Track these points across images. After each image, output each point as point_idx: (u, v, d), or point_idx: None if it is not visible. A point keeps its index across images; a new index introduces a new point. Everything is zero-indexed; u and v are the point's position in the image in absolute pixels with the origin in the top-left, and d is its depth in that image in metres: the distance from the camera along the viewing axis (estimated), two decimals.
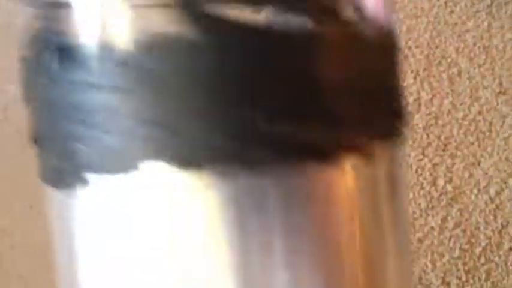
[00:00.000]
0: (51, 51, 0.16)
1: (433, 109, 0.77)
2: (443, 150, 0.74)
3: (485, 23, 0.85)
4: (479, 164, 0.73)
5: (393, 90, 0.19)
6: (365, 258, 0.17)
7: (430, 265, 0.65)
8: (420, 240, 0.66)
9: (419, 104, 0.77)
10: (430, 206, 0.69)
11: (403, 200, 0.19)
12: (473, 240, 0.66)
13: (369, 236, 0.17)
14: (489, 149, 0.74)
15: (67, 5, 0.16)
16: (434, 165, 0.72)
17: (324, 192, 0.17)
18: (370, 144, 0.18)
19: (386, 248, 0.18)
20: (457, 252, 0.66)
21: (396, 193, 0.19)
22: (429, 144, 0.74)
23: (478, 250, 0.66)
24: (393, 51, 0.19)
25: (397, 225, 0.19)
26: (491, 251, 0.66)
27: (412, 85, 0.79)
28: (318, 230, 0.17)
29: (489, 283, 0.64)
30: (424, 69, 0.81)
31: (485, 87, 0.80)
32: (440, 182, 0.71)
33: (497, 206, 0.69)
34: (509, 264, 0.65)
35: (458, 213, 0.69)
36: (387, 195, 0.18)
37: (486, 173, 0.72)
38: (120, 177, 0.16)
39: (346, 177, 0.17)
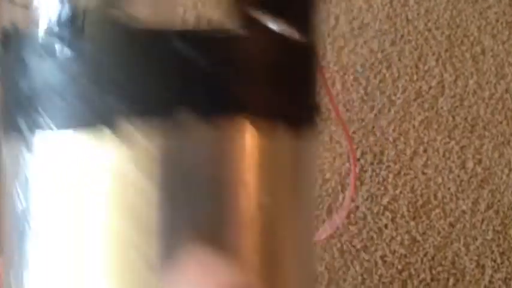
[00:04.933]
0: None
1: (458, 90, 0.76)
2: (471, 132, 0.72)
3: None
4: (508, 143, 0.71)
5: (301, 85, 0.22)
6: (262, 218, 0.20)
7: (463, 249, 0.64)
8: (452, 225, 0.65)
9: (443, 87, 0.76)
10: (460, 189, 0.68)
11: (307, 182, 0.22)
12: (506, 222, 0.65)
13: (264, 199, 0.20)
14: None
15: None
16: (462, 147, 0.71)
17: (224, 151, 0.19)
18: (273, 125, 0.21)
19: (283, 215, 0.20)
20: (490, 235, 0.65)
21: (298, 174, 0.22)
22: (455, 126, 0.73)
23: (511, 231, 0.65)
24: (305, 54, 0.22)
25: (297, 204, 0.21)
26: None
27: (435, 68, 0.78)
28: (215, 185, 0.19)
29: None
30: (446, 51, 0.79)
31: (510, 64, 0.78)
32: (470, 164, 0.69)
33: None
34: None
35: (490, 195, 0.67)
36: (288, 172, 0.21)
37: None
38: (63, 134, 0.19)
39: (246, 141, 0.20)
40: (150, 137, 0.18)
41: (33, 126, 0.19)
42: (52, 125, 0.19)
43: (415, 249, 0.63)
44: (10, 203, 0.20)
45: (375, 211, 0.65)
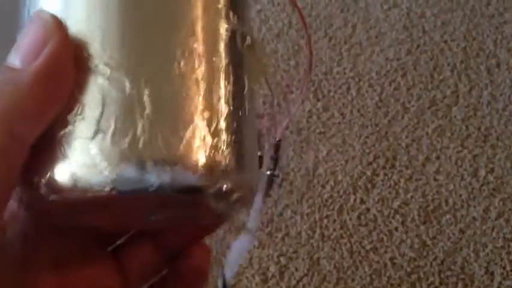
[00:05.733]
0: None
1: (472, 101, 0.76)
2: (484, 141, 0.72)
3: None
4: None
5: None
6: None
7: (473, 255, 0.64)
8: (462, 231, 0.65)
9: (457, 96, 0.76)
10: (472, 196, 0.68)
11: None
12: None
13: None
14: None
15: None
16: (475, 156, 0.71)
17: None
18: None
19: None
20: (500, 242, 0.64)
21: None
22: (469, 135, 0.73)
23: None
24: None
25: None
26: None
27: (450, 78, 0.78)
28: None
29: None
30: (461, 62, 0.80)
31: None
32: (482, 172, 0.70)
33: None
34: None
35: (501, 203, 0.67)
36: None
37: None
38: None
39: None
40: None
41: None
42: None
43: (424, 253, 0.63)
44: None
45: (386, 214, 0.65)
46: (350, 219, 0.64)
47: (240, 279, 0.59)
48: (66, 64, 0.22)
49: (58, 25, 0.22)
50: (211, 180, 0.22)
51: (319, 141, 0.70)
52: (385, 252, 0.63)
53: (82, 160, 0.22)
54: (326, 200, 0.65)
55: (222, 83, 0.23)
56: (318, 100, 0.74)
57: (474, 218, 0.66)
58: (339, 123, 0.72)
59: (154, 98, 0.22)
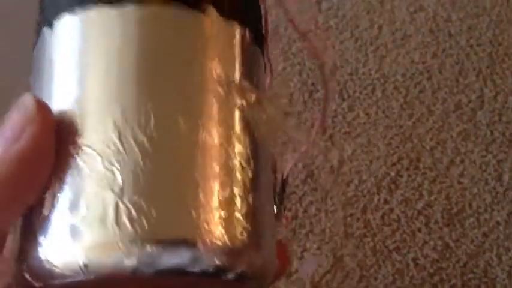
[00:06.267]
0: None
1: (497, 106, 0.76)
2: (508, 147, 0.72)
3: None
4: None
5: None
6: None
7: (495, 259, 0.64)
8: (485, 235, 0.65)
9: (483, 101, 0.76)
10: (496, 201, 0.68)
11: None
12: None
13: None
14: None
15: None
16: (499, 161, 0.71)
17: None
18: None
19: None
20: None
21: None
22: (493, 140, 0.73)
23: None
24: None
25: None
26: None
27: (475, 83, 0.78)
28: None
29: None
30: (487, 67, 0.80)
31: None
32: (506, 177, 0.70)
33: None
34: None
35: None
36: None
37: None
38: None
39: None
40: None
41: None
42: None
43: (447, 255, 0.63)
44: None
45: (409, 215, 0.65)
46: (374, 218, 0.64)
47: None
48: (44, 150, 0.21)
49: (39, 110, 0.22)
50: (227, 261, 0.21)
51: (344, 141, 0.70)
52: (408, 252, 0.63)
53: (59, 246, 0.21)
54: (350, 199, 0.65)
55: (235, 150, 0.22)
56: (344, 100, 0.74)
57: (498, 223, 0.66)
58: (363, 123, 0.72)
59: (151, 173, 0.21)
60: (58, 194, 0.21)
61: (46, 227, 0.21)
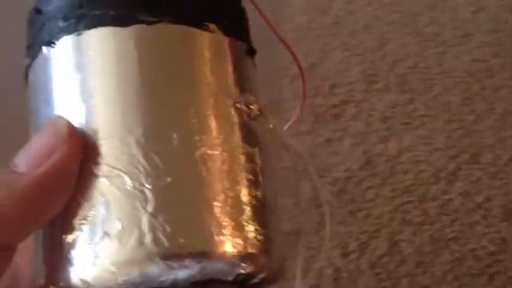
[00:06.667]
0: None
1: None
2: None
3: None
4: None
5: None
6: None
7: None
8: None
9: None
10: None
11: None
12: None
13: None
14: None
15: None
16: None
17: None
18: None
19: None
20: None
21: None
22: None
23: None
24: None
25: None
26: None
27: None
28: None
29: None
30: None
31: None
32: None
33: None
34: None
35: None
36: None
37: None
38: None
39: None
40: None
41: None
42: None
43: (504, 248, 0.62)
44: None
45: (468, 207, 0.65)
46: (432, 207, 0.64)
47: (319, 251, 0.60)
48: (67, 177, 0.21)
49: (70, 135, 0.21)
50: (250, 267, 0.22)
51: (404, 131, 0.70)
52: (466, 243, 0.62)
53: (91, 265, 0.21)
54: (408, 187, 0.65)
55: (239, 165, 0.23)
56: (404, 92, 0.74)
57: None
58: (423, 116, 0.72)
59: (162, 190, 0.21)
60: (87, 214, 0.21)
61: (78, 247, 0.21)
